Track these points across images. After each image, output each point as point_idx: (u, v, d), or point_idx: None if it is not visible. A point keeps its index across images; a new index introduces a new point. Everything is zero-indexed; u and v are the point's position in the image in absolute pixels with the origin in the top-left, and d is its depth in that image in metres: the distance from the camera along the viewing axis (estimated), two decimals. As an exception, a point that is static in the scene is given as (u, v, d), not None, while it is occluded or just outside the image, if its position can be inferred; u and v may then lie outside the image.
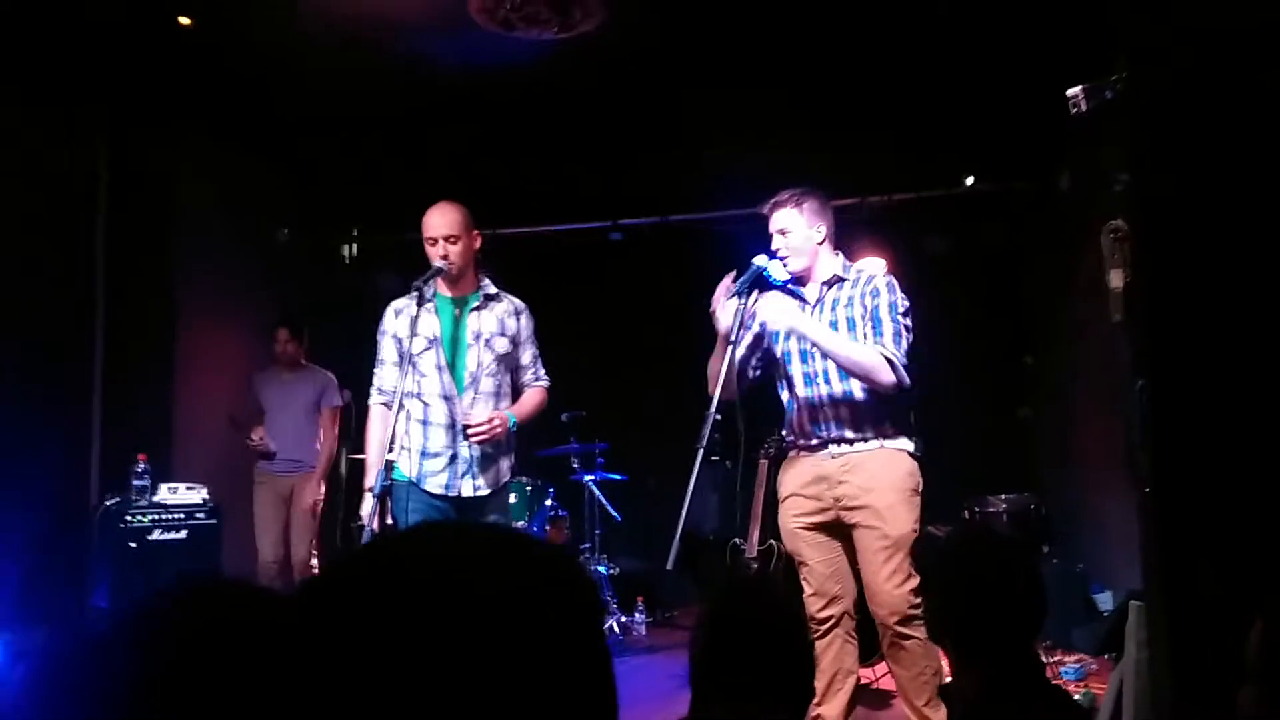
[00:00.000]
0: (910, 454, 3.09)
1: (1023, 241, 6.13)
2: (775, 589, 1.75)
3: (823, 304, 3.20)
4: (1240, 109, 1.95)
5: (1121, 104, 2.07)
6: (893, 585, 3.00)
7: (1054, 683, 1.78)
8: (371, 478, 3.10)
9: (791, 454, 3.29)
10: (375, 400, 3.36)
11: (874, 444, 3.07)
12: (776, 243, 3.21)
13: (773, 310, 3.12)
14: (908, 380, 3.02)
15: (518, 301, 3.47)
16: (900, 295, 3.12)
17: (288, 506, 5.10)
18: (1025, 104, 4.53)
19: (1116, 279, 2.13)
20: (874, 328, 3.06)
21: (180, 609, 0.85)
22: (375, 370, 3.38)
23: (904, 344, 3.05)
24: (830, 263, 3.23)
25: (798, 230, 3.18)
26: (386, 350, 3.35)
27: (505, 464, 3.38)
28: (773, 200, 3.24)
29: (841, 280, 3.19)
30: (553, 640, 0.64)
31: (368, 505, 3.13)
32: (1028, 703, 1.57)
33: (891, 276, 3.24)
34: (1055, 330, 5.81)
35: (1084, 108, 2.17)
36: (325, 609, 0.66)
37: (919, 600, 2.99)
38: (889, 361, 2.99)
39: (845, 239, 3.35)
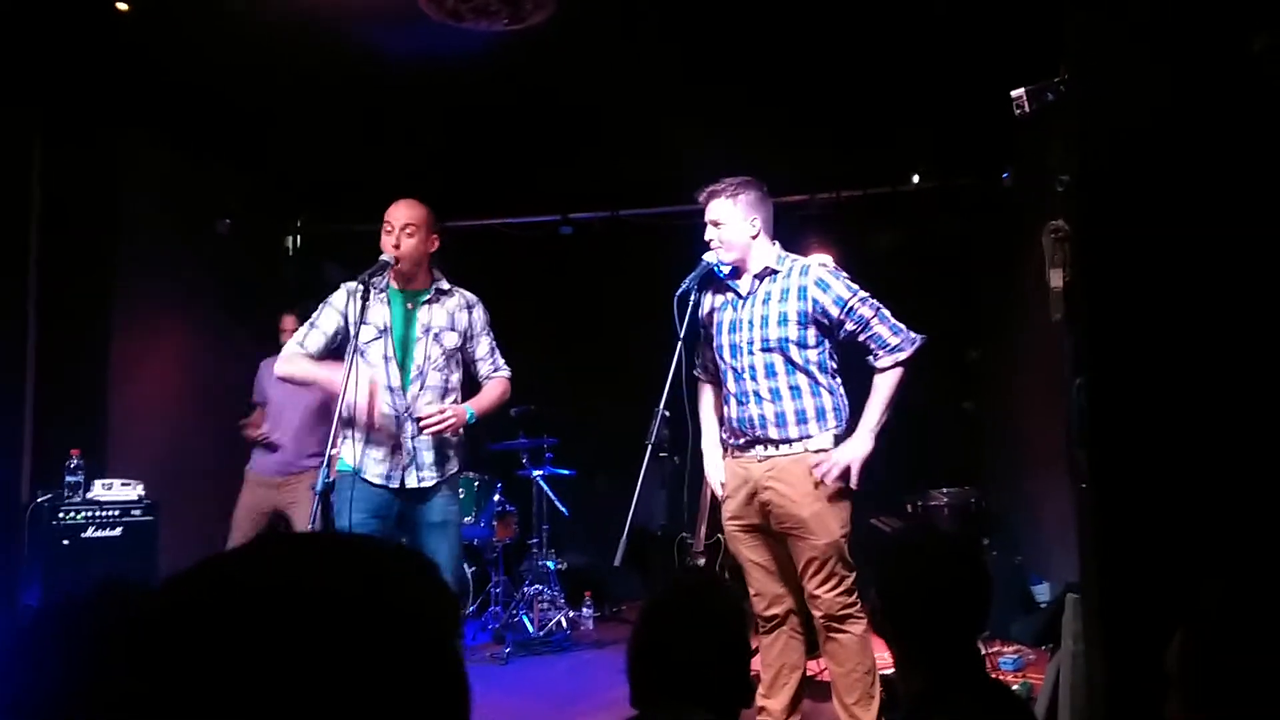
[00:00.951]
0: None
1: (969, 238, 6.23)
2: (714, 588, 1.75)
3: (754, 296, 3.18)
4: (1180, 111, 2.00)
5: (1063, 106, 2.11)
6: (824, 590, 3.03)
7: (995, 676, 1.81)
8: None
9: (726, 453, 3.30)
10: (292, 349, 3.30)
11: (798, 447, 3.07)
12: (709, 233, 3.17)
13: (848, 452, 3.08)
14: (918, 337, 3.12)
15: (470, 295, 3.45)
16: (844, 275, 3.14)
17: (267, 517, 4.83)
18: (972, 101, 4.59)
19: (1056, 278, 2.17)
20: (862, 328, 3.08)
21: (98, 606, 0.84)
22: (304, 328, 3.32)
23: (888, 313, 3.10)
24: (765, 254, 3.18)
25: (731, 222, 3.13)
26: (325, 319, 3.29)
27: (452, 455, 3.35)
28: (708, 189, 3.19)
29: (774, 272, 3.16)
30: (391, 650, 0.64)
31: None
32: (971, 698, 1.60)
33: (827, 262, 3.24)
34: (999, 325, 5.92)
35: (1027, 109, 2.20)
36: (168, 622, 0.65)
37: (852, 600, 3.05)
38: (900, 365, 3.09)
39: (794, 237, 3.37)
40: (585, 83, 4.99)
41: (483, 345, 3.44)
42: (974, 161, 5.71)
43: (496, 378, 3.48)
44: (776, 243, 3.24)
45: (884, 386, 3.10)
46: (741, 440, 3.18)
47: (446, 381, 3.33)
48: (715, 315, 3.28)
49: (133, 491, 4.29)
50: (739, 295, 3.21)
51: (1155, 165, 1.97)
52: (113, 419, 4.93)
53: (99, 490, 4.21)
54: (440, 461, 3.30)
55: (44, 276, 4.55)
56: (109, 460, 4.71)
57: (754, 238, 3.16)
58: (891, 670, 1.96)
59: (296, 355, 3.27)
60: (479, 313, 3.44)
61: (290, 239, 6.74)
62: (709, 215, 3.18)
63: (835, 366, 3.19)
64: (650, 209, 6.14)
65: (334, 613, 0.63)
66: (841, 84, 4.96)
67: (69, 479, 4.16)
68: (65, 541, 4.02)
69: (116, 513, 4.17)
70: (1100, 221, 2.01)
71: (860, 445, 3.04)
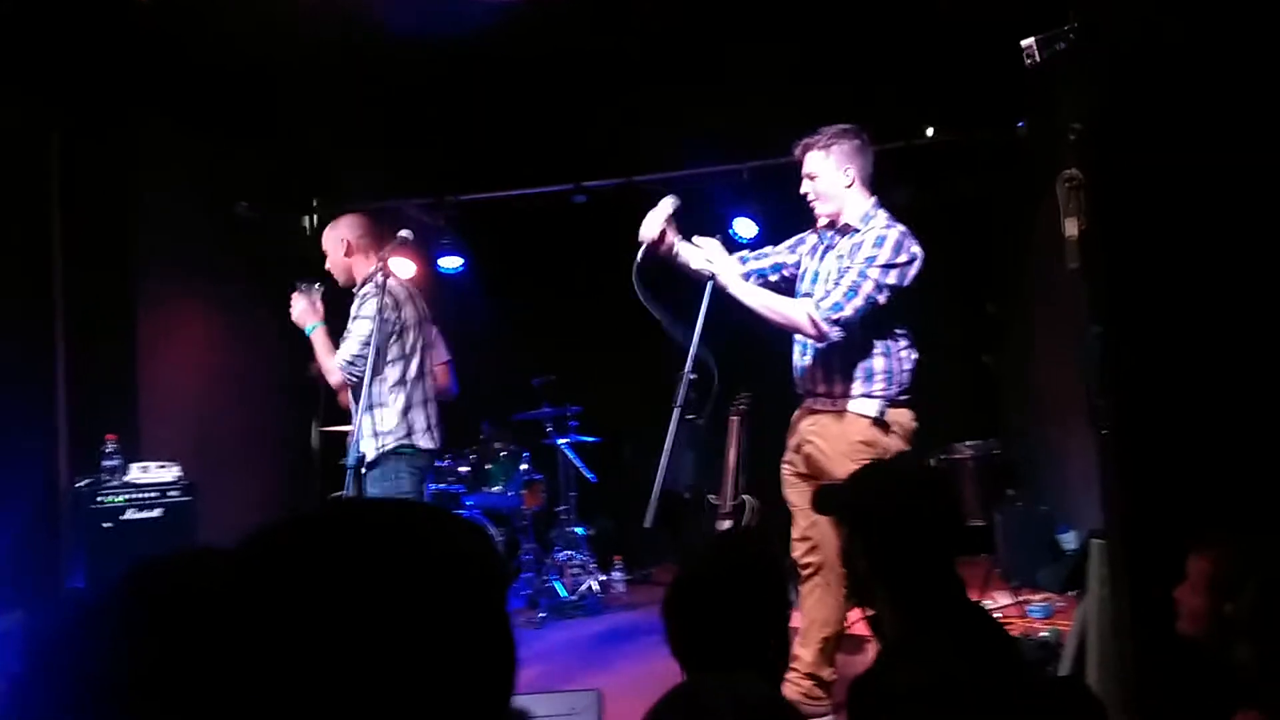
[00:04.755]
0: (874, 419, 3.07)
1: (985, 190, 6.19)
2: (746, 548, 1.77)
3: (831, 250, 3.17)
4: (1192, 57, 1.99)
5: (1074, 53, 2.10)
6: None
7: (977, 603, 1.81)
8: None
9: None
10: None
11: (840, 404, 3.10)
12: (805, 187, 3.17)
13: (718, 262, 3.09)
14: (832, 335, 2.98)
15: None
16: (887, 251, 3.01)
17: None
18: (985, 51, 4.54)
19: (1071, 227, 2.17)
20: (837, 279, 3.04)
21: (157, 580, 0.88)
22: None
23: (854, 299, 2.97)
24: (856, 208, 3.14)
25: (825, 174, 3.12)
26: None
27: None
28: (803, 142, 3.18)
29: (854, 230, 3.12)
30: (457, 603, 0.69)
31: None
32: (951, 636, 1.60)
33: (896, 228, 3.08)
34: (1017, 277, 5.90)
35: (1038, 58, 2.20)
36: (256, 577, 0.70)
37: None
38: (810, 318, 2.97)
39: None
40: (595, 49, 4.97)
41: None
42: (989, 113, 5.65)
43: None
44: (874, 198, 3.18)
45: (779, 304, 3.06)
46: (800, 392, 3.26)
47: None
48: (803, 263, 3.31)
49: (169, 473, 4.37)
50: (825, 245, 3.23)
51: (1166, 109, 1.97)
52: (142, 403, 5.01)
53: (136, 473, 4.29)
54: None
55: (68, 267, 4.62)
56: (141, 444, 4.80)
57: (848, 187, 3.13)
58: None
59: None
60: None
61: (307, 219, 6.78)
62: (804, 169, 3.16)
63: (899, 330, 3.15)
64: (664, 173, 6.12)
65: (404, 567, 0.68)
66: (851, 38, 4.91)
67: (105, 463, 4.24)
68: (106, 524, 4.11)
69: (155, 494, 4.25)
70: (1113, 168, 2.02)
71: (732, 275, 3.06)
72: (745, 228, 5.47)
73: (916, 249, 3.06)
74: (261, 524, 0.73)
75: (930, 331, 3.27)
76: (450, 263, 6.15)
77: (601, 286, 6.71)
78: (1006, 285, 6.17)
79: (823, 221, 3.21)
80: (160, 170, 5.28)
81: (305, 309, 3.74)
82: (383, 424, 3.57)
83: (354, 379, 3.57)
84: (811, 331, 3.01)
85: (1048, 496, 5.43)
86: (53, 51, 4.32)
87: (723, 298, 3.15)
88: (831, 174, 3.11)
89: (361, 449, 3.53)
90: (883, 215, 3.14)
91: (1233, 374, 2.00)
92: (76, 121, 4.64)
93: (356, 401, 3.56)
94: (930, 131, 5.90)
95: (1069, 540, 5.08)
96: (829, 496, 1.94)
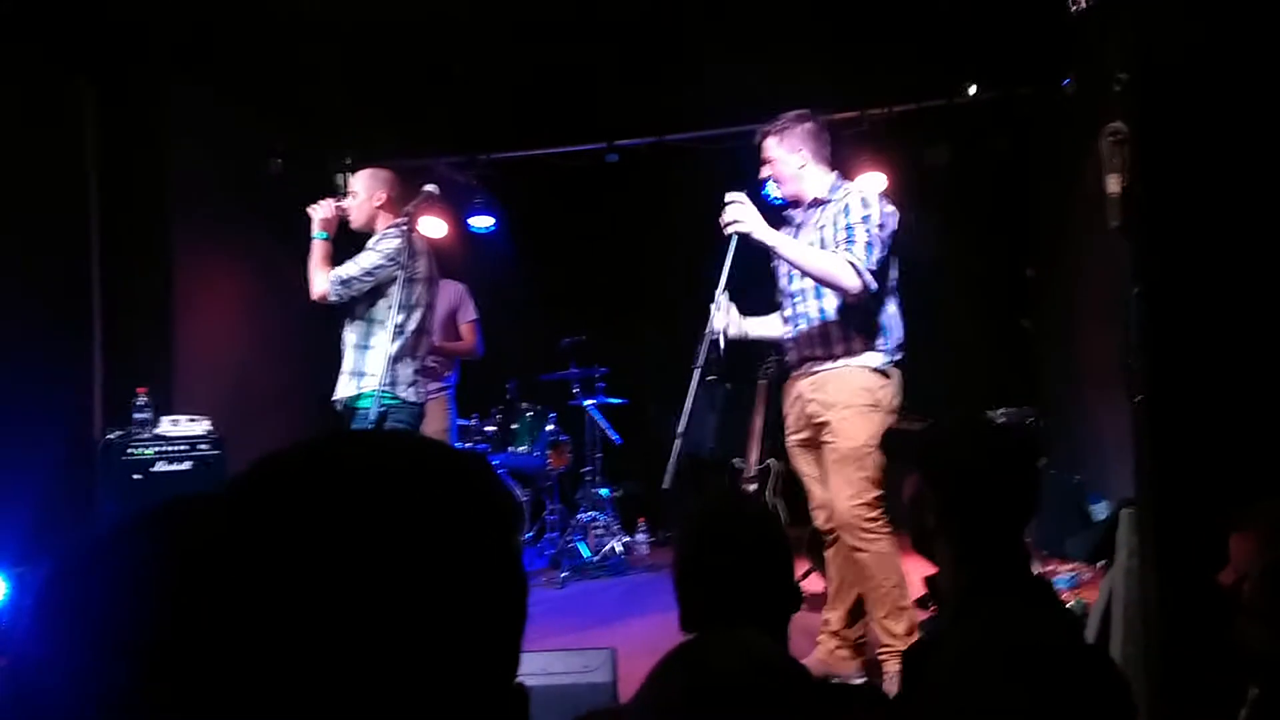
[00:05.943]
0: (875, 369, 3.15)
1: (1026, 150, 6.03)
2: (749, 503, 1.73)
3: (807, 225, 3.29)
4: (1244, 3, 1.89)
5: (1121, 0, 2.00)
6: (844, 498, 3.09)
7: (1037, 575, 1.74)
8: None
9: (789, 379, 3.43)
10: None
11: (841, 362, 3.17)
12: (763, 171, 3.37)
13: (748, 217, 3.07)
14: (874, 284, 3.06)
15: None
16: (875, 208, 3.12)
17: None
18: (1029, 6, 4.40)
19: (1114, 184, 2.08)
20: (847, 237, 3.09)
21: (171, 520, 0.85)
22: None
23: (874, 253, 3.07)
24: (818, 183, 3.29)
25: (779, 159, 3.31)
26: None
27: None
28: (762, 130, 3.37)
29: (825, 202, 3.26)
30: (465, 541, 0.65)
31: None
32: (1018, 595, 1.55)
33: (873, 192, 3.26)
34: (1058, 240, 5.75)
35: (1084, 5, 2.10)
36: (251, 512, 0.66)
37: (872, 515, 3.09)
38: (853, 266, 3.02)
39: (846, 154, 3.38)
40: (624, 5, 4.88)
41: None
42: (1033, 70, 5.48)
43: None
44: (835, 173, 3.34)
45: (823, 257, 3.08)
46: (796, 359, 3.32)
47: None
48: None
49: (199, 426, 4.41)
50: (795, 226, 3.34)
51: (1220, 58, 1.86)
52: (177, 359, 5.06)
53: (166, 426, 4.33)
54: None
55: (105, 224, 4.66)
56: (174, 398, 4.84)
57: (801, 168, 3.29)
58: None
59: None
60: None
61: (340, 176, 6.77)
62: (763, 154, 3.34)
63: (893, 286, 3.23)
64: (697, 132, 6.03)
65: (407, 502, 0.64)
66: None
67: (136, 416, 4.29)
68: (136, 476, 4.16)
69: (185, 447, 4.29)
70: (1161, 121, 1.92)
71: (764, 227, 3.04)
72: (776, 191, 5.36)
73: (889, 206, 3.19)
74: (252, 463, 0.70)
75: (967, 295, 3.22)
76: (481, 222, 6.12)
77: (632, 246, 6.68)
78: (1047, 248, 6.02)
79: (791, 205, 3.36)
80: (194, 128, 5.29)
81: (330, 217, 3.73)
82: (367, 366, 3.57)
83: (336, 299, 3.58)
84: (853, 281, 3.03)
85: (1083, 465, 5.33)
86: (83, 11, 4.31)
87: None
88: (785, 157, 3.29)
89: (340, 388, 3.60)
90: (848, 184, 3.32)
91: (1275, 341, 1.92)
92: (108, 80, 4.65)
93: (347, 331, 3.66)
94: (973, 89, 5.74)
95: (1100, 511, 4.98)
96: (897, 439, 1.86)
